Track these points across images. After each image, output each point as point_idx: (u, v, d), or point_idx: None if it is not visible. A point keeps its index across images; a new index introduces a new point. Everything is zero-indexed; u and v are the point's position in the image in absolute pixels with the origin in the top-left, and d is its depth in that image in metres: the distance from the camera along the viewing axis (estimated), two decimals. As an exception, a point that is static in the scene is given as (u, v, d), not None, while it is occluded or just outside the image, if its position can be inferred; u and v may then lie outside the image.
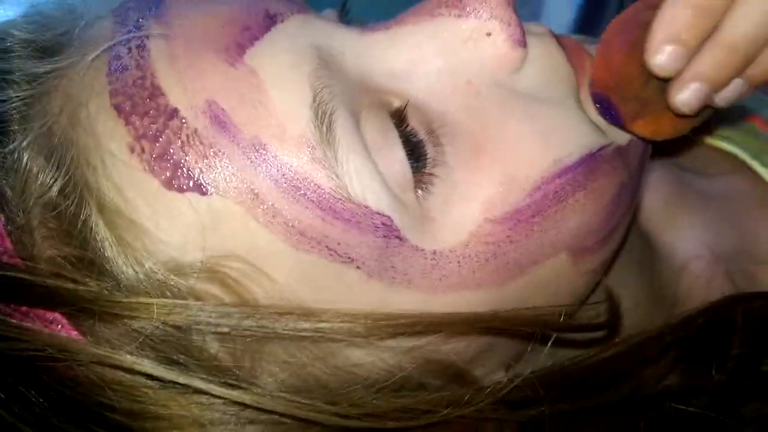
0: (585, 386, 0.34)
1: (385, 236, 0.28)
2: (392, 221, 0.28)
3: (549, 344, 0.31)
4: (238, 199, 0.26)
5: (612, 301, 0.33)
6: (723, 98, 0.30)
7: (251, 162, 0.26)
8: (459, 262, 0.29)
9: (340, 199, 0.27)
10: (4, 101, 0.29)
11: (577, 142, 0.30)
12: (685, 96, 0.29)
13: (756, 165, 0.49)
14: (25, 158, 0.28)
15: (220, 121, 0.27)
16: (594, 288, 0.35)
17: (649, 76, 0.30)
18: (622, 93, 0.31)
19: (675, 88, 0.29)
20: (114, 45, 0.28)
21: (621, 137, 0.32)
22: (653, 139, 0.32)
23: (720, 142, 0.51)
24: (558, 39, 0.32)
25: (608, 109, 0.32)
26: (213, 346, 0.27)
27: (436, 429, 0.30)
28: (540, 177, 0.30)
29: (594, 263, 0.33)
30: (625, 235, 0.35)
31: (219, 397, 0.26)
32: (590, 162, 0.30)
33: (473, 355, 0.31)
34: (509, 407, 0.31)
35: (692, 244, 0.46)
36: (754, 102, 0.57)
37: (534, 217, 0.30)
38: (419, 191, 0.29)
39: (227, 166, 0.26)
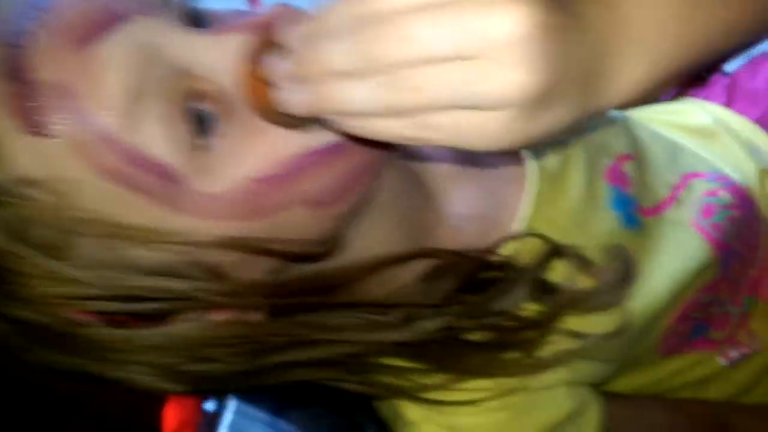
0: (316, 287, 0.49)
1: (169, 179, 0.41)
2: (175, 168, 0.41)
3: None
4: (69, 142, 0.40)
5: (334, 237, 0.49)
6: None
7: (80, 119, 0.40)
8: (222, 203, 0.43)
9: (137, 151, 0.40)
10: None
11: (312, 139, 0.43)
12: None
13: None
14: None
15: (64, 90, 0.39)
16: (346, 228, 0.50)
17: None
18: None
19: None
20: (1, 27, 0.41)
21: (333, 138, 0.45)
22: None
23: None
24: None
25: None
26: (44, 233, 0.42)
27: (197, 302, 0.45)
28: (288, 157, 0.43)
29: (331, 213, 0.46)
30: (362, 200, 0.48)
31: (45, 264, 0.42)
32: (318, 152, 0.44)
33: (230, 264, 0.46)
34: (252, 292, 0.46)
35: (456, 205, 0.61)
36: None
37: (280, 180, 0.43)
38: (203, 151, 0.42)
39: (64, 120, 0.40)
